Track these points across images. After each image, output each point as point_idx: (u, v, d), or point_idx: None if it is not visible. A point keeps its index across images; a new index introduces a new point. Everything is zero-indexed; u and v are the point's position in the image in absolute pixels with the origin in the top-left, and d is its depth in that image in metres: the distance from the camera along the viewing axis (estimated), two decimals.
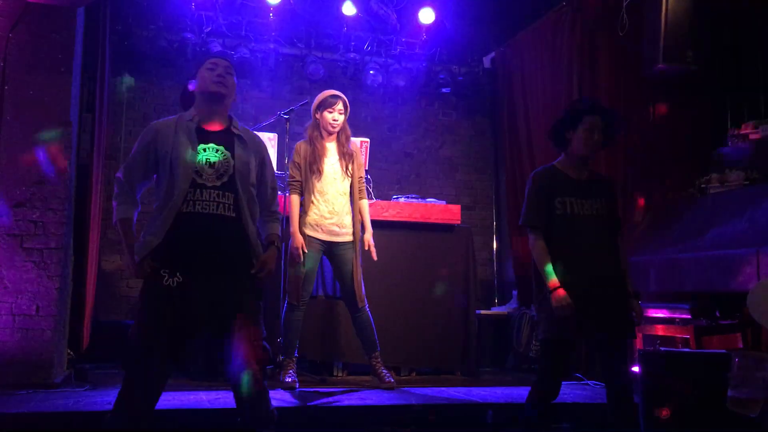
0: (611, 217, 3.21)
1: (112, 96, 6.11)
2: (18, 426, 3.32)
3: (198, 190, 2.69)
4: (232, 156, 2.77)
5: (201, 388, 4.27)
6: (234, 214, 2.73)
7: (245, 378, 2.64)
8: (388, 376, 4.50)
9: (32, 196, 4.32)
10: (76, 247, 4.87)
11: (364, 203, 4.59)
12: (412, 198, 5.54)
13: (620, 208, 5.16)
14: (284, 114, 5.04)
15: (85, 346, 5.06)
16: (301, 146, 4.51)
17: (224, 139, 2.80)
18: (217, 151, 2.76)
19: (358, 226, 4.50)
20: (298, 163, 4.47)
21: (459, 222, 5.43)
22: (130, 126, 6.49)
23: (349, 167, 4.52)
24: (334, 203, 4.45)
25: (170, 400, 3.78)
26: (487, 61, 7.26)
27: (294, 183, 4.47)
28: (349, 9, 6.49)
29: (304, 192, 4.44)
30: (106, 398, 3.72)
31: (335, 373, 5.10)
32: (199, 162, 2.72)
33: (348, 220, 4.49)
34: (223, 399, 3.85)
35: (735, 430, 3.28)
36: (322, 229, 4.43)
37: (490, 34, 7.06)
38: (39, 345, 4.23)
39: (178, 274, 2.63)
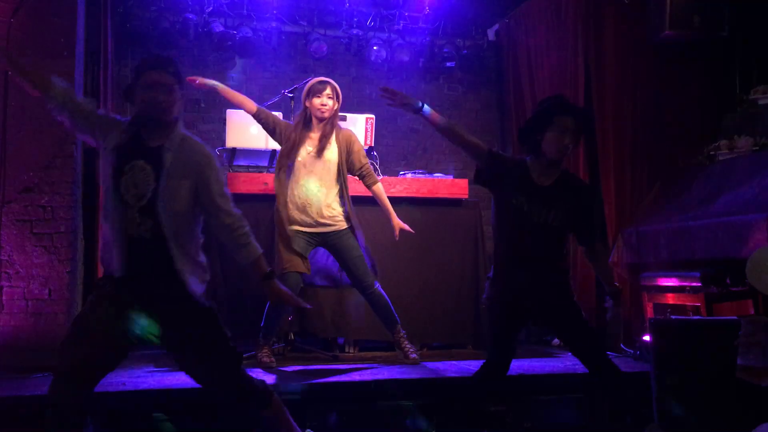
0: (565, 229, 3.16)
1: (116, 79, 6.09)
2: (34, 408, 3.35)
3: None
4: (157, 178, 2.59)
5: None
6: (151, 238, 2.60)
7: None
8: (413, 352, 4.48)
9: (40, 181, 4.33)
10: (86, 230, 4.89)
11: (378, 186, 4.50)
12: (419, 173, 5.53)
13: (628, 178, 5.21)
14: (288, 92, 5.02)
15: None
16: (291, 127, 4.39)
17: (155, 156, 2.62)
18: (143, 170, 2.60)
19: (352, 212, 4.42)
20: (286, 131, 4.37)
21: (467, 196, 5.41)
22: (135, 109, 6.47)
23: (336, 154, 4.38)
24: (318, 192, 4.33)
25: (171, 379, 3.81)
26: (491, 34, 7.19)
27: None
28: None
29: (280, 174, 4.36)
30: (118, 379, 3.76)
31: (347, 350, 5.13)
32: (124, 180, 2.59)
33: (333, 211, 4.37)
34: None
35: (746, 397, 3.29)
36: (306, 223, 4.34)
37: (493, 6, 6.98)
38: (52, 329, 4.26)
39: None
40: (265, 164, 5.32)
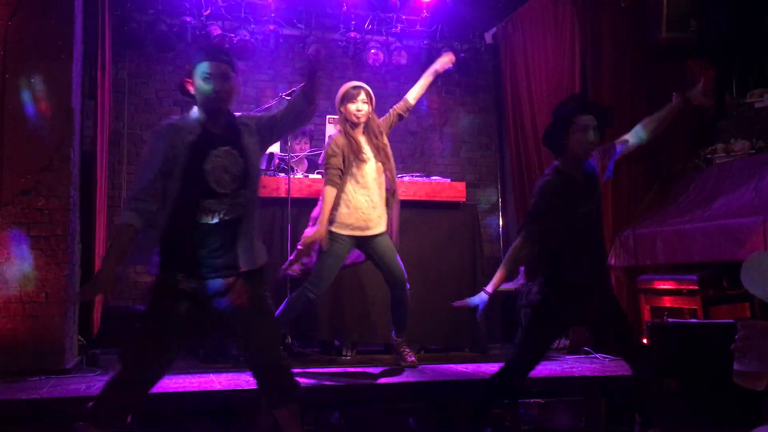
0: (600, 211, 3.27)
1: (114, 82, 6.09)
2: (31, 411, 3.35)
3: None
4: (243, 155, 2.72)
5: (211, 371, 4.29)
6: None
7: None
8: (411, 355, 4.51)
9: (37, 184, 4.32)
10: (83, 233, 4.88)
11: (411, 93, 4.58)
12: (416, 176, 5.53)
13: (625, 181, 5.22)
14: (286, 95, 5.02)
15: (96, 331, 5.09)
16: (339, 138, 4.37)
17: (233, 137, 2.74)
18: (230, 154, 2.70)
19: (391, 215, 4.46)
20: (337, 153, 4.32)
21: (464, 199, 5.42)
22: (132, 111, 6.49)
23: (382, 157, 4.42)
24: (374, 195, 4.38)
25: (180, 382, 3.82)
26: (488, 37, 7.20)
27: (334, 171, 4.30)
28: None
29: (342, 186, 4.34)
30: None
31: (344, 353, 5.12)
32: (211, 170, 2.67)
33: (383, 211, 4.42)
34: (234, 381, 3.88)
35: (744, 400, 3.29)
36: (356, 226, 4.33)
37: (491, 10, 6.99)
38: (49, 331, 4.25)
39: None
40: (263, 167, 5.32)
